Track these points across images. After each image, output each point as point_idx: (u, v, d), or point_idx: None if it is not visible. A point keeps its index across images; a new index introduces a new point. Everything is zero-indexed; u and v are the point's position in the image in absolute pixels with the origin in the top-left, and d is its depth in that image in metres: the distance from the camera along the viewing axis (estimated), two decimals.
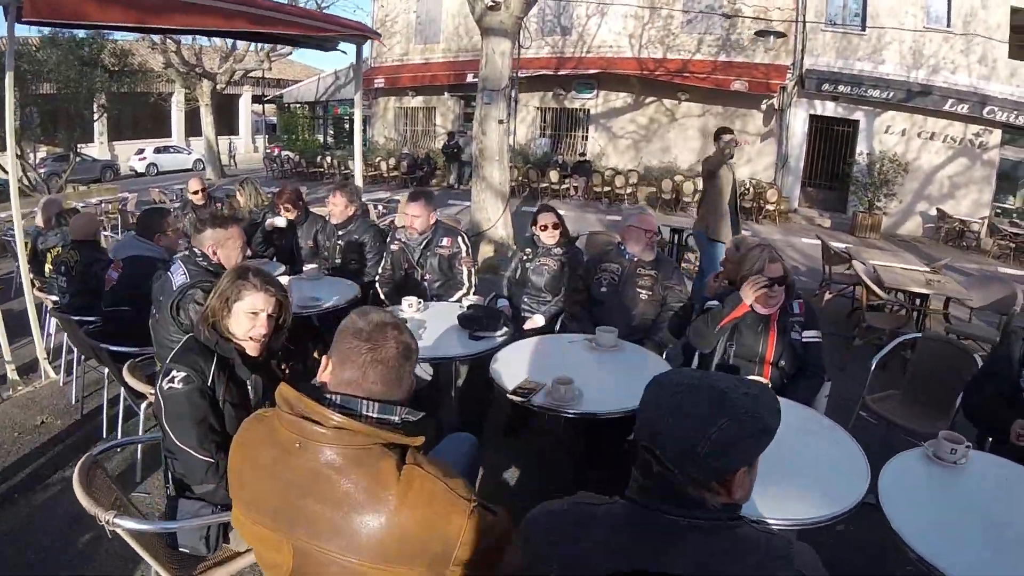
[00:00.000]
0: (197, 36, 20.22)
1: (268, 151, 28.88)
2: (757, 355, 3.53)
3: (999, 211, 19.46)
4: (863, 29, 18.97)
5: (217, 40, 24.37)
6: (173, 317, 3.10)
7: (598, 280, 4.57)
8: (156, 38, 22.66)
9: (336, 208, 5.64)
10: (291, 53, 25.28)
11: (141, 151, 29.69)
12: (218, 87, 25.11)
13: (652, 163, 20.96)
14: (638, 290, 4.48)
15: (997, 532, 2.26)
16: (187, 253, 3.70)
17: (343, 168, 23.81)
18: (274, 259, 6.08)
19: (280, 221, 6.12)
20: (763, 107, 19.73)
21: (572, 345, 3.94)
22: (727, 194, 7.36)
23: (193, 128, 32.06)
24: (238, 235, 3.78)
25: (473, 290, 5.01)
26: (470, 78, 21.66)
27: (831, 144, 19.57)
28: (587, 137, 22.31)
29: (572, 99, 21.84)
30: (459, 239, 5.09)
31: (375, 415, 1.63)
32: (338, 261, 5.71)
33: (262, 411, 1.79)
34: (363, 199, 6.47)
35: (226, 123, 29.67)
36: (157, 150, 30.25)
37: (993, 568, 2.06)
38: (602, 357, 3.78)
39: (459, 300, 4.77)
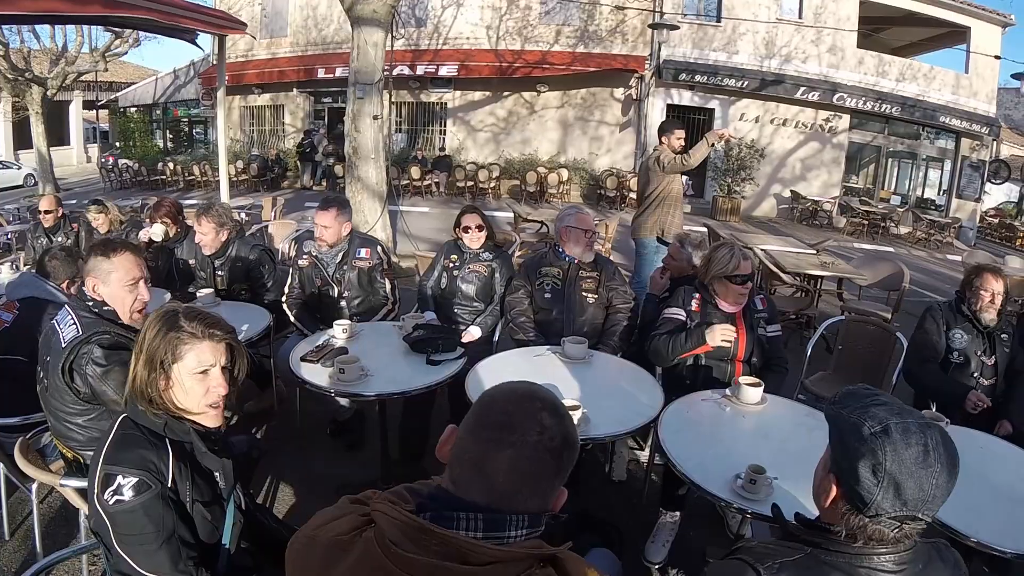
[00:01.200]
0: (40, 26, 17.91)
1: (103, 160, 26.32)
2: (729, 354, 3.49)
3: (847, 190, 20.24)
4: (719, 21, 19.14)
5: (47, 40, 22.28)
6: (67, 384, 2.50)
7: (540, 286, 4.29)
8: None
9: (206, 237, 4.73)
10: (127, 52, 22.94)
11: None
12: (49, 93, 22.40)
13: (513, 156, 20.29)
14: (583, 294, 4.24)
15: None
16: (76, 296, 2.81)
17: (187, 174, 21.90)
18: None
19: (157, 231, 5.10)
20: (621, 97, 19.45)
21: (541, 359, 3.64)
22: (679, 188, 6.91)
23: (21, 140, 29.02)
24: (130, 265, 2.72)
25: (398, 305, 4.64)
26: (321, 73, 20.60)
27: (688, 132, 19.39)
28: (445, 131, 21.46)
29: (428, 93, 20.86)
30: (378, 249, 4.60)
31: (524, 532, 1.15)
32: (222, 292, 4.87)
33: (321, 532, 1.23)
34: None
35: (56, 132, 26.60)
36: None
37: None
38: (580, 371, 3.47)
39: (384, 318, 4.48)
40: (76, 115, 33.32)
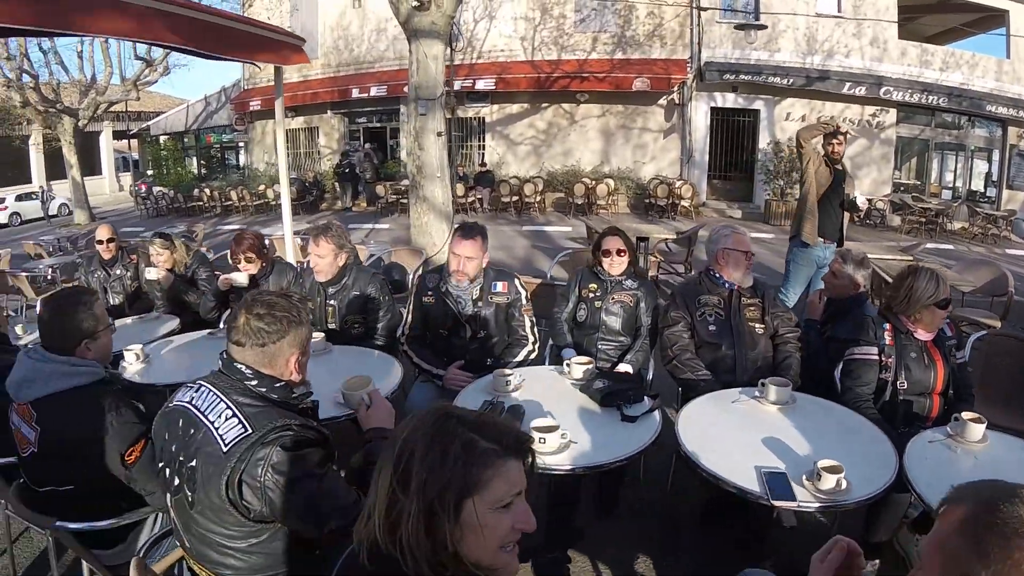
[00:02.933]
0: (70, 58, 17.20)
1: (136, 188, 25.78)
2: (928, 387, 3.09)
3: (901, 187, 19.21)
4: (757, 19, 18.19)
5: (75, 71, 21.82)
6: (233, 500, 1.77)
7: (701, 317, 3.65)
8: (11, 74, 19.92)
9: (323, 261, 4.05)
10: (157, 81, 22.35)
11: (1, 200, 26.13)
12: (80, 123, 21.90)
13: (555, 168, 19.33)
14: (751, 324, 3.63)
15: None
16: (218, 370, 2.00)
17: (224, 200, 21.19)
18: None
19: (241, 278, 4.62)
20: (664, 103, 18.54)
21: (742, 405, 3.03)
22: (814, 190, 6.20)
23: (54, 171, 28.52)
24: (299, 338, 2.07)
25: (538, 345, 3.91)
26: (355, 93, 19.82)
27: (733, 135, 18.80)
28: (484, 146, 20.52)
29: (465, 108, 19.84)
30: (515, 282, 3.89)
31: None
32: (332, 326, 4.18)
33: None
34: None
35: (87, 162, 26.04)
36: (19, 197, 26.55)
37: None
38: (795, 419, 2.87)
39: (524, 361, 3.75)
40: (107, 145, 32.94)
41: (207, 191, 21.84)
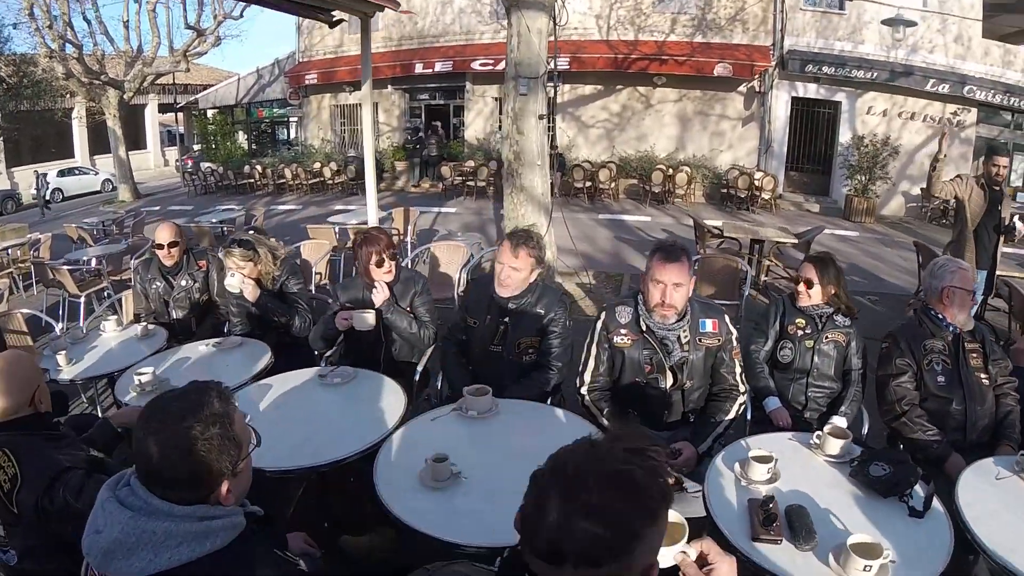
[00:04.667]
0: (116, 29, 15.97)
1: (182, 163, 24.48)
2: None
3: None
4: (842, 8, 16.79)
5: (121, 42, 20.53)
6: None
7: (929, 366, 3.05)
8: (54, 45, 18.62)
9: (517, 275, 3.26)
10: (207, 52, 21.06)
11: (44, 175, 24.71)
12: (125, 96, 20.61)
13: (628, 153, 17.80)
14: (977, 374, 3.02)
15: None
16: None
17: (277, 178, 19.86)
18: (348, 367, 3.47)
19: (370, 318, 3.59)
20: (743, 90, 17.15)
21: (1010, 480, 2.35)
22: (969, 217, 5.75)
23: (97, 145, 27.35)
24: None
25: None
26: (419, 68, 18.50)
27: (812, 126, 17.37)
28: (553, 128, 18.97)
29: None
30: (725, 320, 3.06)
31: None
32: (497, 349, 3.39)
33: None
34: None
35: (132, 136, 24.81)
36: (61, 173, 25.33)
37: None
38: None
39: (737, 417, 3.00)
40: (152, 118, 31.83)
41: (259, 168, 20.53)
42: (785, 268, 8.42)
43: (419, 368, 3.77)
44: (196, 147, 26.09)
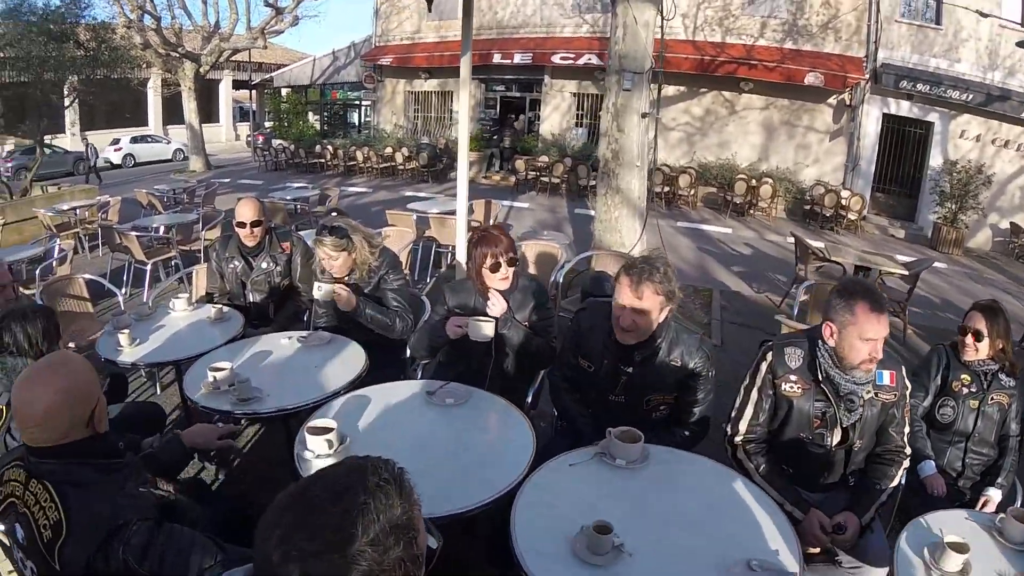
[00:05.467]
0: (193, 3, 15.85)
1: (252, 139, 24.54)
2: None
3: None
4: (938, 22, 15.74)
5: (199, 17, 20.83)
6: None
7: None
8: (132, 15, 18.75)
9: (643, 319, 2.57)
10: (284, 31, 20.93)
11: (116, 141, 25.38)
12: (202, 69, 20.64)
13: (708, 159, 16.98)
14: None
15: None
16: None
17: (348, 159, 19.59)
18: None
19: (487, 329, 2.98)
20: (833, 102, 16.22)
21: None
22: None
23: (170, 115, 27.68)
24: None
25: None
26: (497, 59, 17.97)
27: (903, 147, 16.29)
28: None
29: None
30: (902, 372, 2.52)
31: None
32: (618, 399, 2.81)
33: None
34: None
35: (205, 109, 24.85)
36: (134, 139, 25.89)
37: None
38: None
39: (896, 487, 2.51)
40: (226, 93, 32.29)
41: (330, 148, 20.30)
42: (889, 300, 7.63)
43: (532, 390, 3.25)
44: (267, 124, 26.06)
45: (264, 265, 4.06)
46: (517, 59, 17.72)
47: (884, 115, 16.09)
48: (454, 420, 2.63)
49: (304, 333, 3.45)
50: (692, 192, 16.00)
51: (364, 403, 2.70)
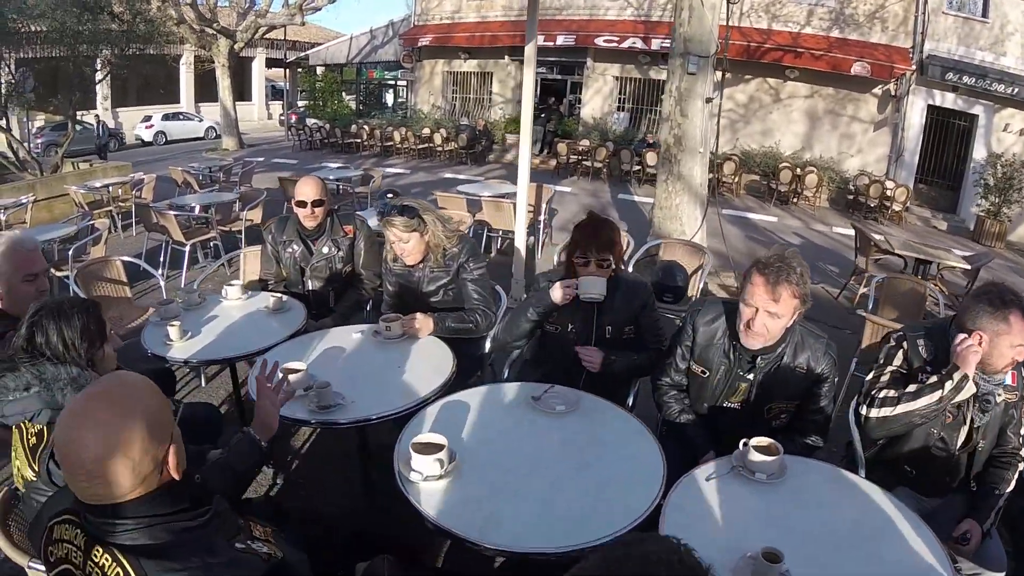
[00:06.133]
0: None
1: (285, 117, 24.32)
2: None
3: None
4: (985, 16, 15.46)
5: None
6: None
7: None
8: None
9: (775, 323, 2.32)
10: (321, 8, 20.59)
11: (148, 118, 25.30)
12: (236, 47, 20.37)
13: (751, 147, 16.73)
14: None
15: None
16: None
17: (384, 140, 19.38)
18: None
19: (598, 287, 2.70)
20: (878, 92, 15.96)
21: None
22: None
23: (203, 93, 27.53)
24: None
25: None
26: (540, 40, 17.67)
27: (946, 139, 16.04)
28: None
29: (659, 69, 17.05)
30: (1021, 371, 2.36)
31: None
32: (733, 404, 2.59)
33: None
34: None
35: (238, 87, 24.69)
36: (165, 117, 25.75)
37: None
38: None
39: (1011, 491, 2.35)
40: (259, 72, 31.94)
41: (366, 128, 20.07)
42: (950, 295, 7.37)
43: (632, 393, 2.96)
44: (301, 103, 25.81)
45: (325, 250, 3.70)
46: (560, 41, 17.42)
47: (928, 107, 15.83)
48: (568, 430, 2.31)
49: (378, 327, 3.03)
50: (736, 180, 15.76)
51: (461, 411, 2.39)
